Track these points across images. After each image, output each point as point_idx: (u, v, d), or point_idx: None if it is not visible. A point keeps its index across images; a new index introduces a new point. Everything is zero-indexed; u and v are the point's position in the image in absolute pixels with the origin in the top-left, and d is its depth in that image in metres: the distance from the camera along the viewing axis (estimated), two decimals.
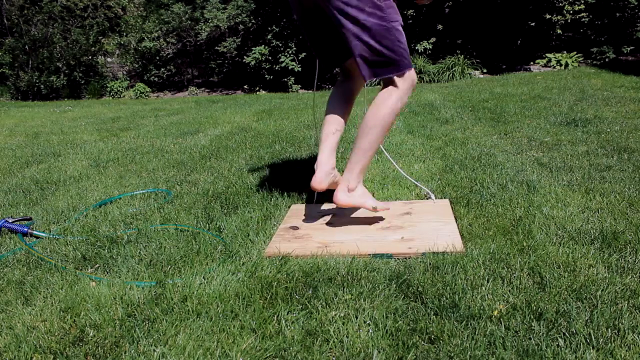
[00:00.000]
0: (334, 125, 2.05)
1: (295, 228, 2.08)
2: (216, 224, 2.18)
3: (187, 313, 1.48)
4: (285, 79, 9.88)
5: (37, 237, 2.19)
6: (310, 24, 1.97)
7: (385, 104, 1.91)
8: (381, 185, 2.66)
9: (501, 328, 1.32)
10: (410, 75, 1.93)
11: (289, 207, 2.36)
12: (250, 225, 2.14)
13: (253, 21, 10.43)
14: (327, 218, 2.18)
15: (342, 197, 1.98)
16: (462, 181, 2.57)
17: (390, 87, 1.92)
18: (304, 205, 2.35)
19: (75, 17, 11.79)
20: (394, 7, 1.87)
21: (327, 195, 2.53)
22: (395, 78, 1.90)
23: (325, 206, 2.33)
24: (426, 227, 2.00)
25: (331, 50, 2.00)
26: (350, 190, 1.99)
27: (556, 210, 2.08)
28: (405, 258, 1.77)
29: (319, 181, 2.02)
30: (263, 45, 9.86)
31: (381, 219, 2.13)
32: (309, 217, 2.19)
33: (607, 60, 8.37)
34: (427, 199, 2.36)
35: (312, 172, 2.65)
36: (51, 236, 2.18)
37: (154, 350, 1.32)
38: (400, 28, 1.88)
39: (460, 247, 1.79)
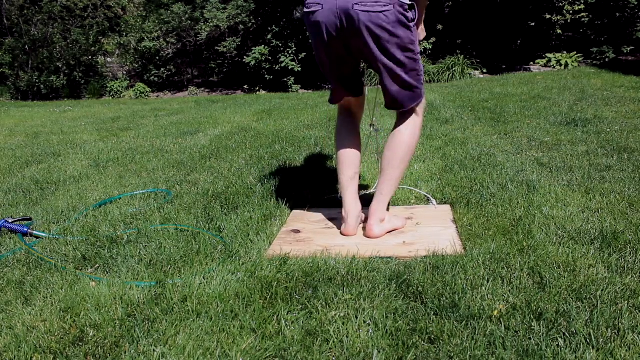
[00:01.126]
0: (351, 169, 2.07)
1: (296, 231, 2.09)
2: (216, 224, 2.18)
3: (187, 313, 1.48)
4: (285, 79, 9.88)
5: (37, 237, 2.19)
6: (338, 58, 1.96)
7: (411, 133, 1.99)
8: None
9: (501, 328, 1.32)
10: (424, 100, 2.03)
11: (291, 211, 2.36)
12: (250, 225, 2.14)
13: (253, 21, 10.43)
14: (328, 222, 2.19)
15: (377, 231, 2.00)
16: (462, 181, 2.57)
17: (413, 116, 2.00)
18: (305, 210, 2.36)
19: (75, 17, 11.79)
20: (417, 39, 1.96)
21: (328, 200, 2.53)
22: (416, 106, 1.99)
23: (326, 211, 2.34)
24: (427, 232, 2.01)
25: (350, 84, 2.07)
26: (381, 221, 2.02)
27: (556, 210, 2.08)
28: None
29: (352, 228, 2.05)
30: (263, 45, 9.86)
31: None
32: (310, 221, 2.20)
33: (607, 60, 8.37)
34: (428, 203, 2.36)
35: (313, 171, 2.64)
36: (51, 236, 2.18)
37: (154, 350, 1.32)
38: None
39: (460, 251, 1.79)
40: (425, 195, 2.42)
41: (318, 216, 2.26)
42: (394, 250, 1.85)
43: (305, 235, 2.06)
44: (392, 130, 2.01)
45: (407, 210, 2.29)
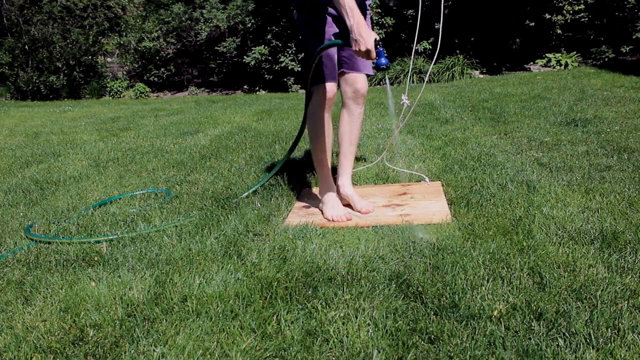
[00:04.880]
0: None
1: (307, 207, 2.38)
2: (216, 224, 2.18)
3: (187, 313, 1.48)
4: (285, 79, 9.88)
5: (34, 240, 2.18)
6: None
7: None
8: (381, 184, 2.66)
9: (501, 328, 1.32)
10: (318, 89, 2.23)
11: (301, 191, 2.63)
12: (250, 225, 2.14)
13: (253, 21, 10.42)
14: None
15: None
16: (462, 181, 2.57)
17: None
18: (313, 189, 2.65)
19: (75, 17, 11.78)
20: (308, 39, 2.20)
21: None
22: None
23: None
24: (420, 205, 2.29)
25: None
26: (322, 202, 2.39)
27: (556, 210, 2.08)
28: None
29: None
30: (263, 45, 9.85)
31: (381, 198, 2.42)
32: (319, 199, 2.43)
33: (606, 60, 8.37)
34: (422, 181, 2.64)
35: (312, 170, 2.62)
36: (48, 238, 2.17)
37: (154, 350, 1.32)
38: None
39: (449, 219, 2.06)
40: (419, 175, 2.68)
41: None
42: (391, 220, 2.12)
43: (315, 209, 2.33)
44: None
45: (404, 187, 2.59)
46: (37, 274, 1.82)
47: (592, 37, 8.96)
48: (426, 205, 2.26)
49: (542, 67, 8.79)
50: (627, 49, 8.61)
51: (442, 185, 2.53)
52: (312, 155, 2.30)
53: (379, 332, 1.34)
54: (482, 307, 1.41)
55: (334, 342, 1.31)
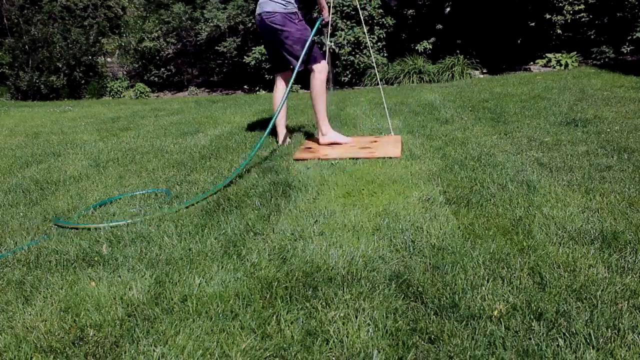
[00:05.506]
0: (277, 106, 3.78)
1: (309, 148, 3.51)
2: (216, 224, 2.18)
3: (187, 313, 1.48)
4: None
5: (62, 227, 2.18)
6: (267, 45, 3.76)
7: (314, 82, 3.55)
8: (381, 186, 2.66)
9: (501, 328, 1.32)
10: (319, 64, 3.51)
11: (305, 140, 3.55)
12: (250, 225, 2.14)
13: (253, 21, 10.42)
14: (330, 144, 3.61)
15: (320, 140, 3.61)
16: (462, 181, 2.57)
17: (312, 73, 3.54)
18: (310, 141, 3.75)
19: (75, 17, 11.77)
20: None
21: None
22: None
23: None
24: (383, 148, 3.35)
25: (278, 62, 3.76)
26: (324, 135, 3.60)
27: (556, 210, 2.08)
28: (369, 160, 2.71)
29: (283, 139, 3.81)
30: (263, 45, 9.85)
31: (358, 144, 3.52)
32: (318, 144, 3.63)
33: (606, 60, 8.36)
34: (388, 134, 3.79)
35: (312, 170, 2.62)
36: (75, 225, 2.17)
37: (154, 350, 1.32)
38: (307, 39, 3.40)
39: (397, 155, 3.12)
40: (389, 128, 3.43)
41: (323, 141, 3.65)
42: (362, 154, 3.21)
43: (314, 150, 3.44)
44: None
45: (374, 138, 3.74)
46: (37, 274, 1.82)
47: (592, 37, 8.95)
48: (387, 149, 3.31)
49: (542, 67, 8.78)
50: (628, 49, 8.61)
51: (402, 139, 3.59)
52: (318, 109, 3.54)
53: (379, 332, 1.34)
54: (482, 307, 1.41)
55: (334, 342, 1.32)
